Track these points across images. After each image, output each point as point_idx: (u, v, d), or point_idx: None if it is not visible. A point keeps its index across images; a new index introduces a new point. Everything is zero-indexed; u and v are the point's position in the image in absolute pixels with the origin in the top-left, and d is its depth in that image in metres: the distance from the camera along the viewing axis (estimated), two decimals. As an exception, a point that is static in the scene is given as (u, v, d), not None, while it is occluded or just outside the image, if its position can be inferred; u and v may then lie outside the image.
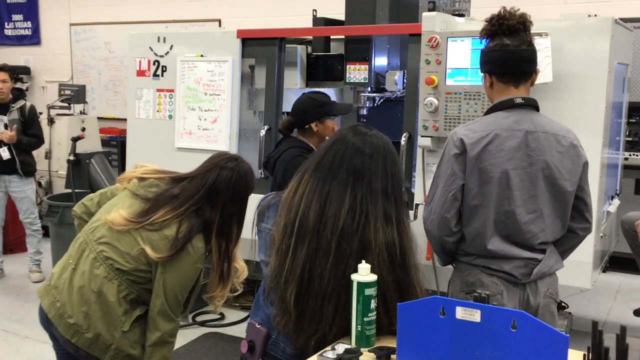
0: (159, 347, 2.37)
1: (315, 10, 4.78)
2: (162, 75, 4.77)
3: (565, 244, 2.49)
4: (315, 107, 3.47)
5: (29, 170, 5.71)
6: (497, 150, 2.29)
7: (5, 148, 5.50)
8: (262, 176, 4.29)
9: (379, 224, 1.76)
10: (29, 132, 5.67)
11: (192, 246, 2.35)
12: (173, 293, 2.35)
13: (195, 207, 2.39)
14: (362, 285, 1.69)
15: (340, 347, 1.67)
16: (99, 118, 7.91)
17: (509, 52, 2.36)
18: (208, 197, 2.42)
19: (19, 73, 8.78)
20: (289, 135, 3.68)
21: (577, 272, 3.30)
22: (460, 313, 1.47)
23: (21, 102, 5.69)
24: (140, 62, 4.87)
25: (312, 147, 3.50)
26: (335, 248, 1.74)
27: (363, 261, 1.71)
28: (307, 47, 4.66)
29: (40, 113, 6.42)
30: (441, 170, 2.39)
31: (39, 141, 5.82)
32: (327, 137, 3.40)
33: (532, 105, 2.39)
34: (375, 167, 1.81)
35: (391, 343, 1.69)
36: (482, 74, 2.47)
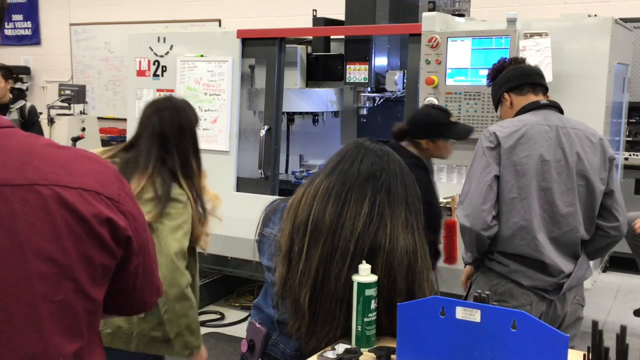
0: (181, 301, 2.32)
1: (315, 10, 4.78)
2: (162, 75, 4.77)
3: (595, 244, 2.46)
4: (430, 124, 3.11)
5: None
6: (530, 143, 2.33)
7: None
8: (262, 176, 4.29)
9: (400, 229, 1.76)
10: (29, 132, 5.66)
11: (174, 197, 2.34)
12: (176, 243, 2.31)
13: (158, 160, 2.37)
14: (363, 286, 1.69)
15: (340, 347, 1.67)
16: (99, 118, 7.92)
17: (522, 67, 2.51)
18: (161, 144, 2.38)
19: (18, 73, 8.77)
20: (397, 142, 3.18)
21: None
22: (460, 313, 1.47)
23: (21, 103, 5.69)
24: (140, 62, 4.86)
25: (422, 160, 3.12)
26: (353, 249, 1.75)
27: (364, 261, 1.71)
28: (307, 47, 4.66)
29: (40, 113, 6.41)
30: (475, 165, 2.40)
31: (39, 142, 5.81)
32: (437, 156, 3.12)
33: (556, 107, 2.46)
34: (393, 174, 1.82)
35: (391, 343, 1.69)
36: (500, 98, 2.53)
